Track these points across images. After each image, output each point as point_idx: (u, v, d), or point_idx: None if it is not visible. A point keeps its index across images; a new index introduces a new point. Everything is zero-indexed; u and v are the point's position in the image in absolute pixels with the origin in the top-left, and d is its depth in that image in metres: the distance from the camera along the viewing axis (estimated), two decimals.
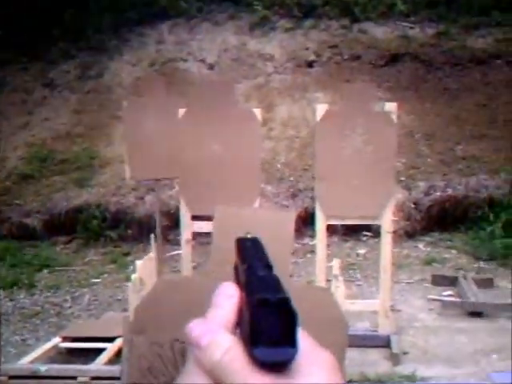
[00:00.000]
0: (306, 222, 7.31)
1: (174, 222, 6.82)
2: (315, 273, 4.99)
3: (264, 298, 0.47)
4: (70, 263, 7.65)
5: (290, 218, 1.41)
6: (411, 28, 10.80)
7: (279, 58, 10.55)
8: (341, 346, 1.26)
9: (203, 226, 4.79)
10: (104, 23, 11.19)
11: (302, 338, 0.49)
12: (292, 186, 8.11)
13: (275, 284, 0.51)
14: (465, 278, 6.26)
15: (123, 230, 8.03)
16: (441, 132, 8.93)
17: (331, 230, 6.69)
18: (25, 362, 4.64)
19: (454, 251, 7.30)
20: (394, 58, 10.28)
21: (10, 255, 7.75)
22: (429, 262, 7.02)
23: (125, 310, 5.35)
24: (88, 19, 11.10)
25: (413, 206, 7.72)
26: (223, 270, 1.30)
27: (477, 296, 5.76)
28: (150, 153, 5.53)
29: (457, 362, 4.74)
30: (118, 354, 4.61)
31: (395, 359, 4.72)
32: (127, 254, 7.66)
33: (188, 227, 4.92)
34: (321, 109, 4.87)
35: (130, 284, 3.45)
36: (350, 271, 6.82)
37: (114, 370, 4.12)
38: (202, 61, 10.76)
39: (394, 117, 4.79)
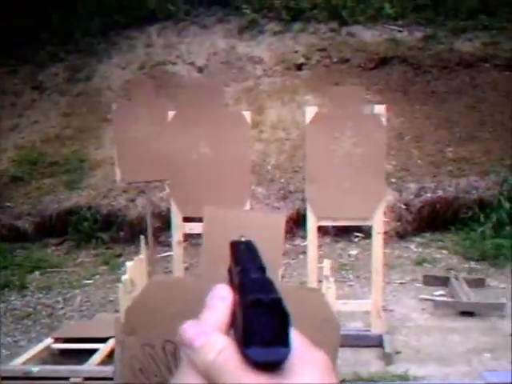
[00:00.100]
0: (297, 223, 7.34)
1: (165, 223, 6.82)
2: (307, 274, 5.00)
3: (256, 299, 0.47)
4: (61, 265, 7.63)
5: (280, 220, 1.42)
6: (399, 31, 10.84)
7: (268, 61, 10.56)
8: (333, 346, 1.27)
9: (194, 228, 4.80)
10: (92, 26, 11.16)
11: (295, 337, 0.49)
12: (283, 188, 8.12)
13: (268, 285, 0.51)
14: (456, 278, 6.29)
15: (115, 231, 8.02)
16: (430, 134, 8.97)
17: (323, 231, 6.71)
18: (17, 363, 4.62)
19: (445, 252, 7.33)
20: (382, 61, 10.32)
21: (1, 257, 7.71)
22: (420, 262, 7.05)
23: (117, 311, 5.35)
24: (76, 22, 11.07)
25: (404, 207, 7.74)
26: (214, 270, 1.31)
27: (468, 296, 5.79)
28: (140, 155, 5.55)
29: (449, 362, 4.76)
30: (111, 354, 4.60)
31: (388, 359, 4.74)
32: (119, 256, 7.65)
33: (179, 229, 4.93)
34: (310, 111, 4.89)
35: (120, 285, 3.45)
36: (343, 272, 6.84)
37: (107, 370, 4.12)
38: (191, 64, 10.76)
39: (384, 119, 4.82)
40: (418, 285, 6.44)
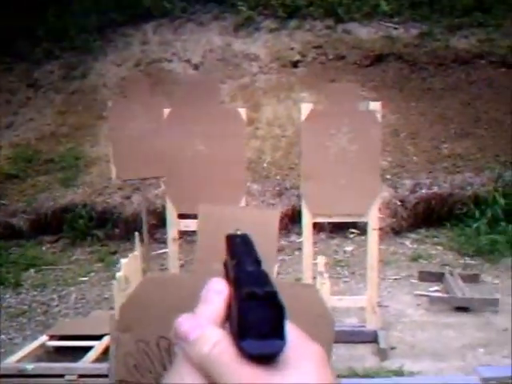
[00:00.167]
0: (292, 219, 7.34)
1: (160, 220, 6.82)
2: (302, 270, 5.01)
3: (251, 291, 0.47)
4: (56, 262, 7.62)
5: (274, 216, 1.42)
6: (395, 28, 10.84)
7: (264, 58, 10.55)
8: (327, 342, 1.28)
9: (190, 225, 4.80)
10: (88, 24, 11.12)
11: (291, 330, 0.49)
12: (278, 185, 8.12)
13: (263, 278, 0.51)
14: (451, 273, 6.30)
15: (110, 229, 8.01)
16: (426, 131, 8.99)
17: (318, 227, 6.72)
18: (12, 361, 4.62)
19: (440, 247, 7.34)
20: (378, 58, 10.32)
21: None
22: (415, 258, 7.06)
23: (112, 308, 5.34)
24: (72, 20, 11.04)
25: (399, 203, 7.75)
26: (209, 267, 1.31)
27: (463, 291, 5.81)
28: (135, 152, 5.55)
29: (444, 357, 4.78)
30: (106, 351, 4.60)
31: (383, 354, 4.76)
32: (114, 253, 7.64)
33: (174, 225, 4.93)
34: (305, 108, 4.89)
35: (114, 282, 3.44)
36: (338, 268, 6.85)
37: (102, 367, 4.12)
38: (187, 61, 10.74)
39: (379, 116, 4.83)
40: (413, 281, 6.45)
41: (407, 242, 7.53)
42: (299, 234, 6.42)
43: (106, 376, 3.77)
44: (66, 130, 9.78)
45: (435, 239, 7.56)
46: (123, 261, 3.91)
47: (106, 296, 6.39)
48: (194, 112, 4.79)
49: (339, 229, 7.57)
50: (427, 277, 6.42)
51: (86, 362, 4.54)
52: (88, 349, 4.79)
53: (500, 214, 7.49)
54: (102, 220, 8.07)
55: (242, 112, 4.87)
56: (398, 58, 10.29)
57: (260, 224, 1.40)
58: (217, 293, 0.53)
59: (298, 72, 10.32)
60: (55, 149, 9.43)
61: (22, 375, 4.32)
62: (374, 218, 4.88)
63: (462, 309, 5.58)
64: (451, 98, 9.51)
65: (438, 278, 6.34)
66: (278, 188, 8.07)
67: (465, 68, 10.04)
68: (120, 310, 1.42)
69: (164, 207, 5.29)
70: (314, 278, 4.53)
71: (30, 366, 4.40)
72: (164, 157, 4.92)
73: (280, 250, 6.92)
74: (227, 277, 0.57)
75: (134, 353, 1.37)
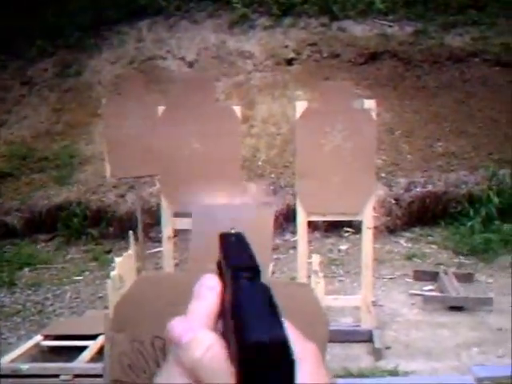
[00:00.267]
0: (287, 218, 7.34)
1: (155, 219, 6.81)
2: (297, 269, 5.01)
3: (257, 341, 0.41)
4: (51, 261, 7.61)
5: (269, 214, 1.42)
6: (390, 26, 10.85)
7: (259, 55, 10.54)
8: (322, 341, 1.27)
9: (184, 223, 4.79)
10: (83, 21, 11.10)
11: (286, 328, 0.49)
12: (273, 183, 8.12)
13: (270, 313, 0.45)
14: (446, 272, 6.31)
15: (104, 227, 8.00)
16: (420, 129, 9.00)
17: (313, 226, 6.72)
18: (6, 361, 4.60)
19: (434, 246, 7.35)
20: (373, 56, 10.32)
21: None
22: (410, 257, 7.07)
23: (106, 307, 5.34)
24: (66, 17, 11.01)
25: (394, 201, 7.76)
26: (203, 265, 1.31)
27: (458, 290, 5.81)
28: (130, 150, 5.54)
29: (438, 356, 4.78)
30: (101, 351, 4.58)
31: (378, 354, 4.75)
32: (109, 252, 7.63)
33: (169, 224, 4.93)
34: (300, 106, 4.89)
35: (109, 281, 3.43)
36: (333, 267, 6.85)
37: (97, 367, 4.11)
38: (182, 59, 10.73)
39: (374, 114, 4.83)
40: (407, 280, 6.46)
41: (402, 241, 7.54)
42: (294, 232, 6.42)
43: (101, 376, 3.76)
44: (60, 127, 9.76)
45: (430, 238, 7.58)
46: (117, 260, 3.91)
47: (101, 295, 6.38)
48: (189, 110, 4.79)
49: (334, 227, 7.57)
50: (422, 276, 6.43)
51: (81, 362, 4.53)
52: (83, 348, 4.78)
53: (494, 213, 7.50)
54: (97, 218, 8.06)
55: (237, 110, 4.87)
56: (392, 56, 10.30)
57: (255, 222, 1.40)
58: (209, 289, 0.53)
59: (293, 70, 10.31)
60: (50, 147, 9.41)
61: (17, 375, 4.31)
62: (368, 217, 4.88)
63: (457, 308, 5.59)
64: (445, 96, 9.52)
65: (432, 277, 6.35)
66: (272, 186, 8.07)
67: (459, 66, 10.05)
68: (114, 309, 1.41)
69: (159, 206, 5.29)
70: (309, 276, 4.53)
71: (24, 366, 4.39)
72: (159, 155, 4.92)
73: (275, 248, 6.92)
74: (220, 275, 0.55)
75: (128, 352, 1.36)
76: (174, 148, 4.83)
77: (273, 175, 8.31)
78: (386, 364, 4.63)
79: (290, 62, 10.45)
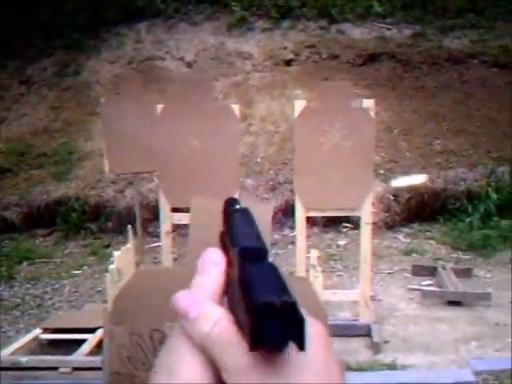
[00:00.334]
0: (286, 213, 7.35)
1: (153, 214, 6.83)
2: (296, 264, 5.02)
3: (267, 302, 0.42)
4: (49, 255, 7.62)
5: (267, 210, 1.43)
6: (388, 29, 10.86)
7: (257, 56, 10.54)
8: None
9: (182, 218, 4.81)
10: (81, 22, 11.08)
11: None
12: (272, 179, 8.13)
13: (277, 279, 0.46)
14: (444, 268, 6.33)
15: (103, 222, 8.01)
16: (419, 128, 9.01)
17: (311, 221, 6.73)
18: (5, 354, 4.61)
19: (432, 242, 7.37)
20: (371, 58, 10.33)
21: None
22: (408, 252, 7.09)
23: (105, 301, 5.34)
24: (65, 18, 10.99)
25: (392, 198, 7.77)
26: None
27: (456, 285, 5.83)
28: (128, 147, 5.55)
29: (437, 350, 4.80)
30: (100, 344, 4.59)
31: (376, 348, 4.78)
32: (107, 246, 7.64)
33: (167, 219, 4.94)
34: (299, 105, 4.90)
35: (107, 275, 3.44)
36: (331, 262, 6.86)
37: (96, 360, 4.12)
38: (181, 59, 10.73)
39: (372, 113, 4.84)
40: (406, 275, 6.48)
41: (400, 237, 7.55)
42: (292, 227, 6.44)
43: (99, 369, 3.76)
44: (59, 125, 9.77)
45: (428, 233, 7.59)
46: (116, 253, 3.93)
47: (99, 289, 6.39)
48: (188, 108, 4.80)
49: (332, 223, 7.58)
50: (420, 271, 6.44)
51: (80, 355, 4.54)
52: (82, 342, 4.79)
53: (492, 209, 7.52)
54: (95, 213, 8.07)
55: (236, 108, 4.88)
56: (391, 58, 10.31)
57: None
58: (213, 264, 0.52)
59: (292, 70, 10.32)
60: (48, 143, 9.42)
61: (16, 368, 4.33)
62: (367, 213, 4.89)
63: (455, 303, 5.61)
64: (444, 97, 9.53)
65: (430, 272, 6.36)
66: (271, 183, 8.08)
67: (457, 67, 10.07)
68: (113, 302, 1.42)
69: (157, 201, 5.30)
70: (307, 271, 4.54)
71: (23, 359, 4.41)
72: (157, 151, 4.93)
73: (273, 243, 6.94)
74: (224, 248, 0.54)
75: (127, 345, 1.37)
76: (173, 145, 4.84)
77: (271, 172, 8.32)
78: (384, 358, 4.65)
79: (288, 62, 10.45)
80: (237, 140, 5.15)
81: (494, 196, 7.60)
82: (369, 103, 4.92)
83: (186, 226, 5.15)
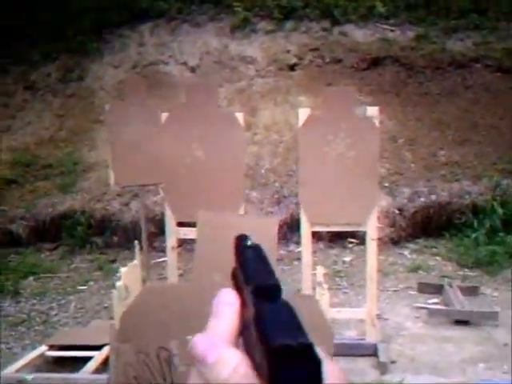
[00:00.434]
0: (291, 228, 7.31)
1: (159, 228, 6.81)
2: (301, 280, 4.98)
3: (284, 345, 0.42)
4: (55, 270, 7.60)
5: (273, 224, 1.42)
6: (391, 31, 10.85)
7: (261, 61, 10.52)
8: (326, 354, 1.27)
9: (188, 233, 4.78)
10: (85, 25, 11.10)
11: None
12: (277, 192, 8.11)
13: (293, 320, 0.46)
14: (450, 285, 6.27)
15: (109, 236, 8.00)
16: (423, 137, 8.98)
17: (317, 236, 6.69)
18: (11, 371, 4.59)
19: (438, 258, 7.32)
20: (375, 62, 10.31)
21: None
22: (414, 269, 7.03)
23: (111, 317, 5.32)
24: (68, 21, 11.01)
25: (397, 212, 7.74)
26: (207, 276, 1.30)
27: (462, 304, 5.77)
28: (133, 158, 5.54)
29: (444, 371, 4.74)
30: (106, 362, 4.57)
31: (383, 368, 4.71)
32: (113, 261, 7.63)
33: (173, 234, 4.92)
34: (303, 113, 4.87)
35: (114, 291, 3.43)
36: (337, 279, 6.82)
37: (102, 378, 4.11)
38: (184, 64, 10.72)
39: (376, 121, 4.80)
40: (411, 292, 6.43)
41: (406, 253, 7.51)
42: (298, 243, 6.40)
43: None
44: (64, 134, 9.77)
45: (434, 250, 7.55)
46: (123, 270, 3.91)
47: (106, 305, 6.36)
48: (192, 116, 4.79)
49: (338, 238, 7.55)
50: (426, 288, 6.39)
51: (86, 373, 4.52)
52: (88, 359, 4.76)
53: (498, 225, 7.47)
54: (101, 227, 8.06)
55: (240, 117, 4.85)
56: (394, 62, 10.29)
57: (259, 232, 1.40)
58: (228, 305, 0.52)
59: (295, 75, 10.30)
60: (53, 153, 9.41)
61: None
62: (372, 228, 4.85)
63: (462, 322, 5.55)
64: (448, 104, 9.51)
65: (437, 289, 6.31)
66: (276, 196, 8.05)
67: (461, 72, 10.04)
68: (120, 319, 1.41)
69: (163, 214, 5.28)
70: (314, 288, 4.52)
71: (29, 377, 4.39)
72: (162, 163, 4.91)
73: (279, 259, 6.90)
74: (237, 287, 0.55)
75: (133, 363, 1.36)
76: (178, 156, 4.83)
77: (276, 184, 8.29)
78: (392, 378, 4.60)
79: (292, 67, 10.44)
80: (242, 151, 5.11)
81: (500, 210, 7.55)
82: (373, 111, 4.85)
83: (192, 240, 5.14)
